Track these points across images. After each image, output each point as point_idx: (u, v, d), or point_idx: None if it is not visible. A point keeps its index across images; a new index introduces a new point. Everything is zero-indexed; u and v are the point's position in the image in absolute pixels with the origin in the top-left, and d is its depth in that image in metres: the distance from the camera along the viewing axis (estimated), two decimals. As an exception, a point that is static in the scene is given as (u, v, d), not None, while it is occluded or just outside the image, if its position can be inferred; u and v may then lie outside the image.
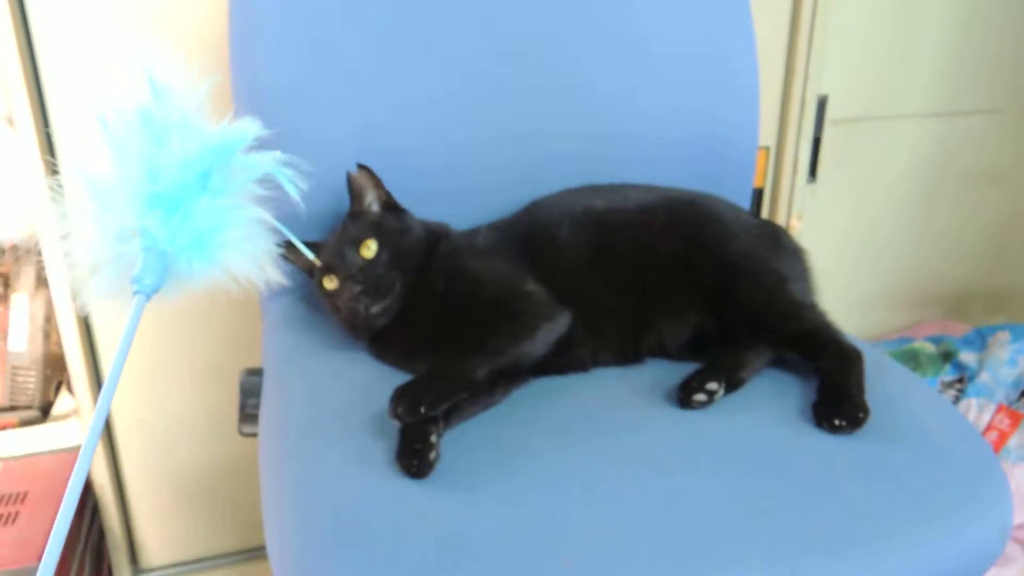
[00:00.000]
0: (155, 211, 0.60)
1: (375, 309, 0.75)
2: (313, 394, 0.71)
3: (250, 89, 0.84)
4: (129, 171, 0.60)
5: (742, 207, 0.89)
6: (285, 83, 0.84)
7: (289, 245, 0.72)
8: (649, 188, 0.87)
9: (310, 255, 0.72)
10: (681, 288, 0.79)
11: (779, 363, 0.76)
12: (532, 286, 0.77)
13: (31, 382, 1.17)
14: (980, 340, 1.40)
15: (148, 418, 1.20)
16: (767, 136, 1.32)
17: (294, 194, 0.64)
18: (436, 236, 0.80)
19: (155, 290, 0.60)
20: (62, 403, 1.18)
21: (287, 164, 0.65)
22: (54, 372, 1.19)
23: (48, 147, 1.03)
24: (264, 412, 0.75)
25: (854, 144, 1.41)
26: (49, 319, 1.17)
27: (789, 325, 0.76)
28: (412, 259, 0.77)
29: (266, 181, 0.64)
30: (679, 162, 0.96)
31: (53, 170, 0.63)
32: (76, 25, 1.00)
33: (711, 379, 0.71)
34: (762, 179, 1.34)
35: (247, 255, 0.64)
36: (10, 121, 1.15)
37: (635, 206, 0.84)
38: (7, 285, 1.16)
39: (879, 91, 1.40)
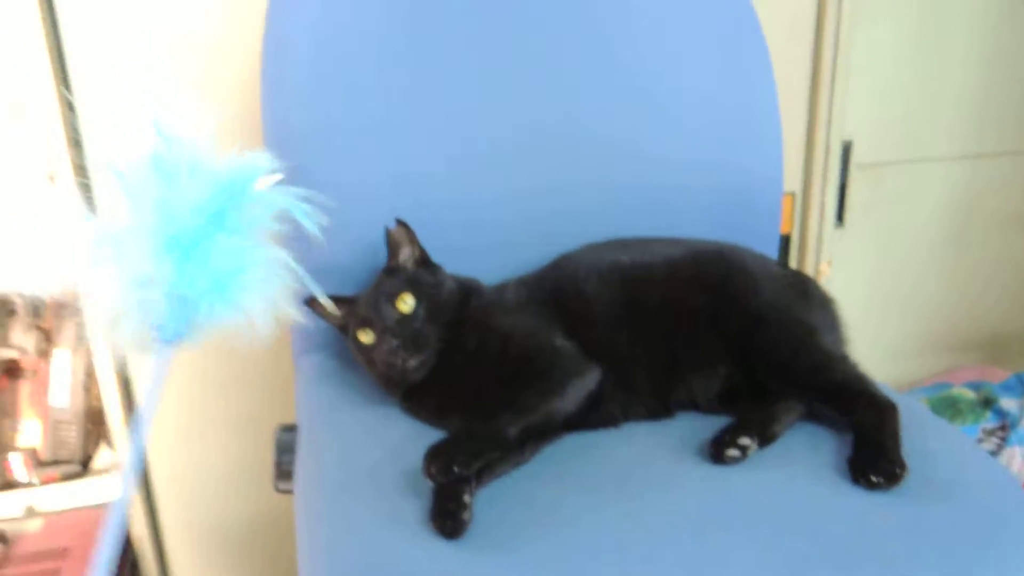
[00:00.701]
0: (172, 255, 0.60)
1: (412, 363, 0.75)
2: (346, 451, 0.72)
3: (279, 135, 0.86)
4: (144, 216, 0.61)
5: (769, 257, 0.89)
6: (314, 131, 0.86)
7: (315, 300, 0.73)
8: (675, 241, 0.88)
9: (330, 305, 0.74)
10: (709, 341, 0.79)
11: (812, 416, 0.76)
12: (561, 342, 0.77)
13: (72, 436, 1.19)
14: (1021, 386, 1.38)
15: (185, 472, 1.21)
16: (792, 182, 1.32)
17: (312, 229, 0.65)
18: (468, 291, 0.81)
19: (178, 337, 0.60)
20: (102, 457, 1.20)
21: (304, 200, 0.65)
22: (94, 426, 1.21)
23: (88, 203, 1.06)
24: (299, 469, 0.76)
25: (881, 188, 1.41)
26: (90, 374, 1.20)
27: (820, 378, 0.76)
28: (447, 314, 0.78)
29: (285, 218, 0.64)
30: (705, 210, 0.97)
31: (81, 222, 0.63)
32: (114, 81, 1.04)
33: (744, 434, 0.71)
34: (789, 225, 1.34)
35: (265, 297, 0.64)
36: (51, 178, 1.19)
37: (661, 260, 0.84)
38: (49, 340, 1.19)
39: (904, 134, 1.40)
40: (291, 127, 0.86)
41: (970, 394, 1.40)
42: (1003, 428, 1.33)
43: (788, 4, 1.24)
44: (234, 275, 0.62)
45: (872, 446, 0.69)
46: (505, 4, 0.92)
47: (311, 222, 0.65)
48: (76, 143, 1.04)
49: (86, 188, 1.05)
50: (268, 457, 0.84)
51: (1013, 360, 1.58)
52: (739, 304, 0.80)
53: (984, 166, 1.46)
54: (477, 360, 0.76)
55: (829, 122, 1.29)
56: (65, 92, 1.03)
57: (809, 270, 1.37)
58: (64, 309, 1.20)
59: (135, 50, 1.05)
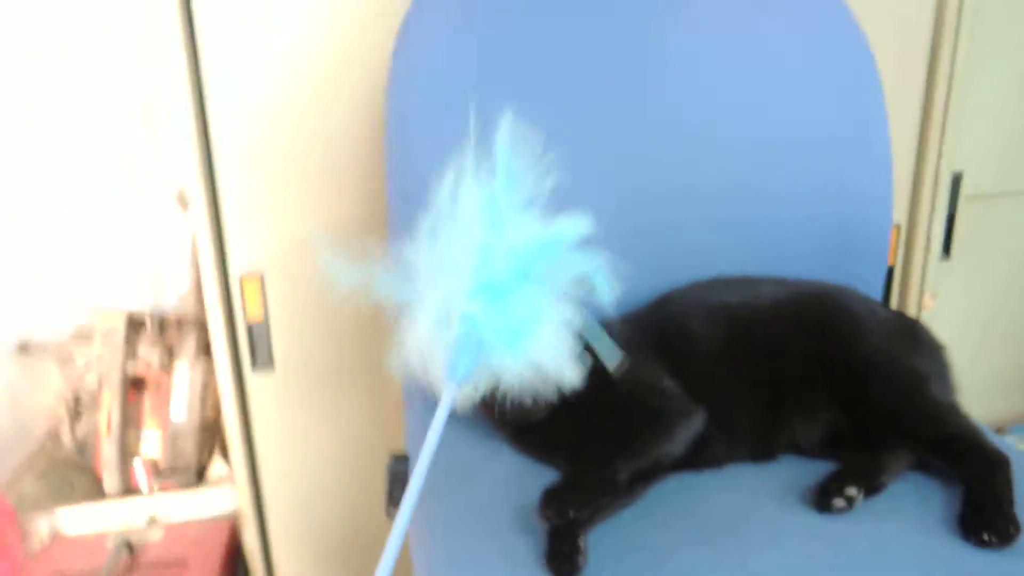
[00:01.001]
0: (482, 298, 0.63)
1: (537, 408, 0.76)
2: (457, 486, 0.75)
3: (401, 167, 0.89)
4: (463, 254, 0.64)
5: (875, 300, 0.89)
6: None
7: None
8: (780, 281, 0.88)
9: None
10: (814, 385, 0.79)
11: (921, 466, 0.75)
12: (667, 383, 0.79)
13: (189, 447, 1.27)
14: None
15: (297, 489, 1.26)
16: (898, 213, 1.30)
17: (607, 298, 0.67)
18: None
19: (467, 378, 0.64)
20: (215, 469, 1.27)
21: (604, 266, 0.67)
22: (207, 437, 1.29)
23: (216, 227, 1.13)
24: (411, 499, 0.80)
25: (990, 220, 1.37)
26: (206, 386, 1.27)
27: (930, 429, 0.75)
28: None
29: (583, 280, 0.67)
30: (813, 239, 0.97)
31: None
32: (251, 107, 1.10)
33: (850, 483, 0.71)
34: (893, 257, 1.32)
35: (554, 354, 0.66)
36: (181, 200, 1.27)
37: (767, 301, 0.85)
38: (172, 355, 1.27)
39: (1016, 166, 1.36)
40: (412, 164, 0.90)
41: (1081, 435, 1.35)
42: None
43: (900, 35, 1.22)
44: (530, 326, 0.65)
45: (984, 502, 0.68)
46: (628, 52, 0.94)
47: (607, 290, 0.67)
48: (208, 163, 1.10)
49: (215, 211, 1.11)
50: (380, 483, 0.88)
51: None
52: (846, 349, 0.79)
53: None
54: (587, 400, 0.77)
55: (940, 153, 1.26)
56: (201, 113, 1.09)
57: (912, 302, 1.34)
58: (185, 326, 1.28)
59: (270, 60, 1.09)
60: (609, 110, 0.92)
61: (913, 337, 0.83)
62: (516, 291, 0.64)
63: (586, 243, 0.67)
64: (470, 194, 0.65)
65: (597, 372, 0.78)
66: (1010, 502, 0.67)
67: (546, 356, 0.66)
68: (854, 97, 0.98)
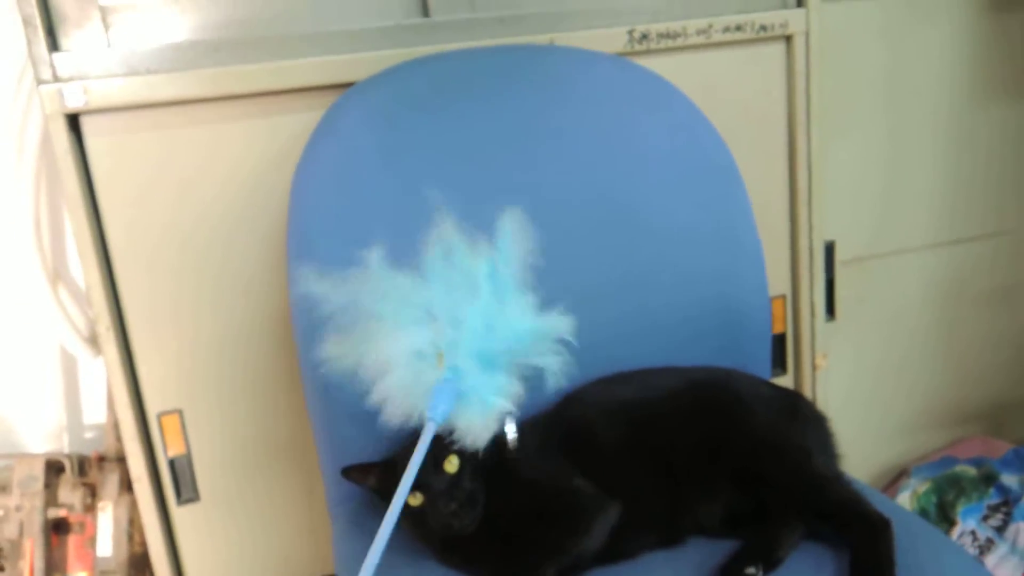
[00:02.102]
0: (475, 358, 0.72)
1: (467, 522, 0.78)
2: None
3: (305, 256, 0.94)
4: (470, 313, 0.73)
5: (760, 379, 0.96)
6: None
7: (352, 469, 0.81)
8: (674, 371, 0.94)
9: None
10: (711, 469, 0.84)
11: (815, 535, 0.81)
12: (579, 481, 0.83)
13: (117, 584, 1.24)
14: (1019, 460, 1.43)
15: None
16: (782, 284, 1.40)
17: (552, 386, 0.76)
18: (496, 443, 0.83)
19: (444, 420, 0.71)
20: (147, 604, 1.25)
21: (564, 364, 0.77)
22: (138, 573, 1.27)
23: (130, 367, 1.14)
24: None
25: (867, 281, 1.49)
26: (132, 522, 1.26)
27: (816, 500, 0.81)
28: (485, 470, 0.81)
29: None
30: (700, 319, 1.05)
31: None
32: (155, 246, 1.12)
33: (749, 563, 0.76)
34: (783, 324, 1.41)
35: (484, 420, 0.75)
36: (92, 342, 1.27)
37: (662, 393, 0.91)
38: (95, 494, 1.26)
39: (884, 229, 1.49)
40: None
41: (972, 471, 1.45)
42: (1006, 504, 1.37)
43: (764, 131, 1.35)
44: (496, 392, 0.74)
45: (868, 567, 0.74)
46: (518, 151, 1.02)
47: (552, 381, 0.77)
48: (117, 304, 1.12)
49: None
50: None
51: (1014, 428, 1.64)
52: (736, 433, 0.85)
53: (962, 250, 1.54)
54: (507, 508, 0.80)
55: (810, 226, 1.37)
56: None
57: (806, 363, 1.43)
58: (107, 463, 1.27)
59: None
60: (496, 211, 0.99)
61: (795, 413, 0.90)
62: (499, 360, 0.73)
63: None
64: (474, 261, 0.75)
65: (513, 480, 0.83)
66: (891, 563, 0.74)
67: (481, 421, 0.74)
68: (717, 190, 1.08)
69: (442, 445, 0.80)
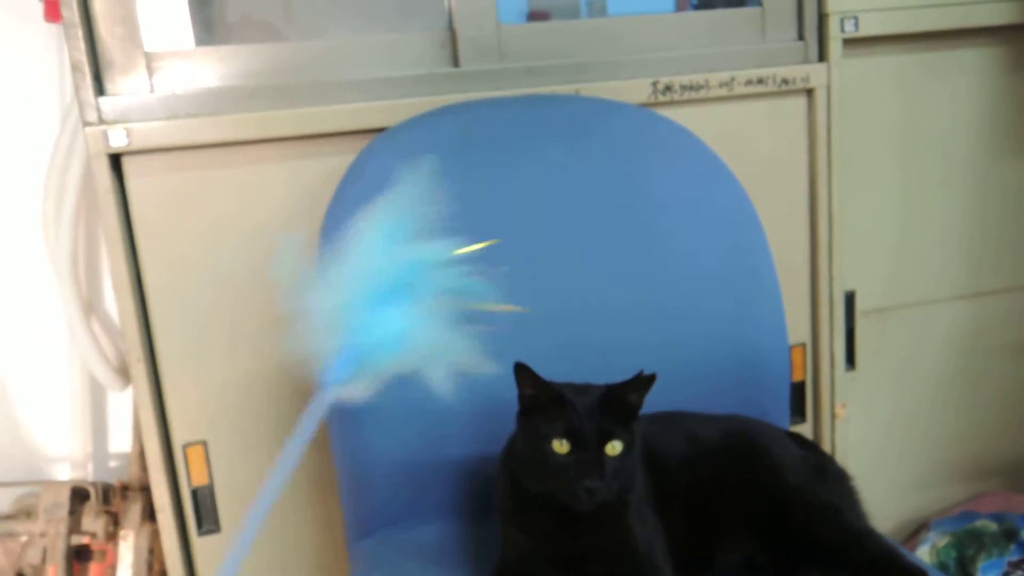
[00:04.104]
0: (373, 309, 0.71)
1: (593, 502, 0.74)
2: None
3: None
4: (364, 270, 0.72)
5: (788, 436, 0.96)
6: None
7: (526, 368, 0.78)
8: (704, 419, 0.94)
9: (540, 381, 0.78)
10: (738, 520, 0.85)
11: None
12: (663, 559, 0.81)
13: (136, 613, 1.26)
14: (1040, 517, 1.41)
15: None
16: (802, 333, 1.41)
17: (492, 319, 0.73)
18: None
19: (344, 380, 0.70)
20: (165, 634, 1.26)
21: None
22: (156, 602, 1.29)
23: (158, 398, 1.17)
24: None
25: (887, 331, 1.49)
26: (152, 551, 1.28)
27: (853, 555, 0.81)
28: (623, 482, 0.77)
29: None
30: (721, 368, 1.06)
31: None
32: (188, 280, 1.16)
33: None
34: (802, 373, 1.42)
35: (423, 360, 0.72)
36: (123, 373, 1.31)
37: (693, 441, 0.90)
38: (117, 523, 1.28)
39: (904, 280, 1.49)
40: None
41: (993, 526, 1.43)
42: (1028, 561, 1.36)
43: (786, 182, 1.37)
44: (405, 338, 0.71)
45: None
46: (545, 197, 1.05)
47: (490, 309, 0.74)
48: (148, 336, 1.15)
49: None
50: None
51: (1037, 483, 1.62)
52: (766, 489, 0.86)
53: (981, 303, 1.54)
54: (594, 532, 0.78)
55: (831, 276, 1.38)
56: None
57: (825, 412, 1.43)
58: (131, 492, 1.29)
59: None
60: (529, 266, 1.01)
61: (823, 472, 0.90)
62: (402, 308, 0.72)
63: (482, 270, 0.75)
64: (379, 223, 0.75)
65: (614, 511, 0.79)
66: None
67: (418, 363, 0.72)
68: (740, 240, 1.10)
69: (621, 423, 0.77)
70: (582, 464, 0.74)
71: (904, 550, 0.85)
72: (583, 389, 0.80)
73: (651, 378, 0.79)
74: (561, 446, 0.75)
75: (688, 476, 0.87)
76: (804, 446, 0.95)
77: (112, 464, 1.40)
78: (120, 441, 1.39)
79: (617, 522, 0.79)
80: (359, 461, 0.97)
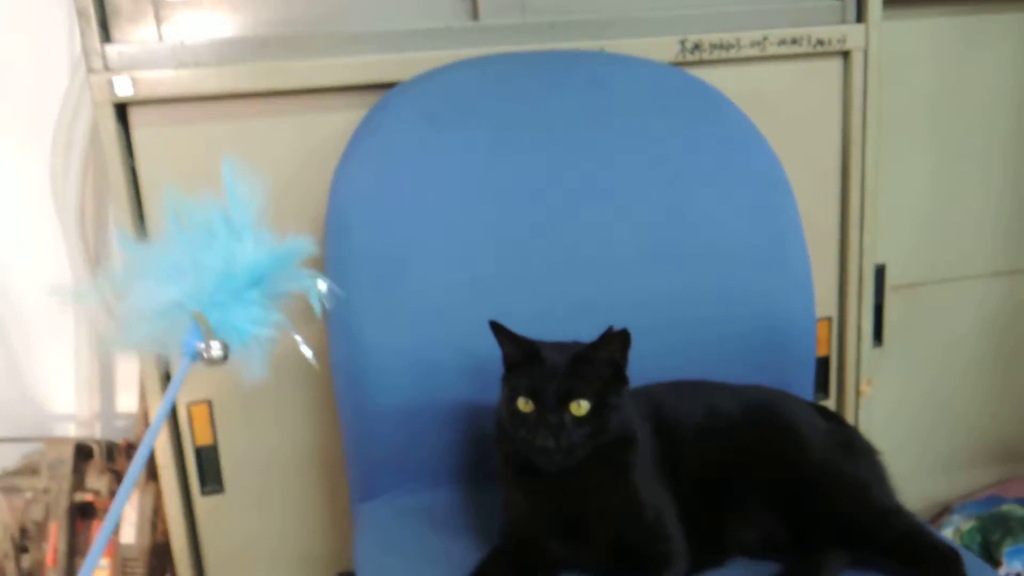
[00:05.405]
0: (219, 292, 0.73)
1: (554, 464, 0.74)
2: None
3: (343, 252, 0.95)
4: (209, 257, 0.73)
5: (813, 408, 0.92)
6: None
7: (502, 326, 0.79)
8: (726, 389, 0.90)
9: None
10: (760, 496, 0.81)
11: (860, 563, 0.78)
12: (675, 529, 0.79)
13: (139, 571, 1.25)
14: (1070, 503, 1.36)
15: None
16: (829, 306, 1.36)
17: (317, 310, 0.76)
18: (628, 435, 0.79)
19: (195, 357, 0.72)
20: (167, 594, 1.25)
21: (328, 286, 0.77)
22: (159, 562, 1.27)
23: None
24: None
25: (918, 308, 1.44)
26: (156, 510, 1.26)
27: (881, 533, 0.78)
28: (605, 438, 0.75)
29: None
30: (742, 336, 1.02)
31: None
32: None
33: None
34: (827, 348, 1.37)
35: (260, 345, 0.74)
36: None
37: (714, 414, 0.86)
38: (121, 481, 1.26)
39: (937, 256, 1.44)
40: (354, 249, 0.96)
41: (1020, 511, 1.39)
42: (1056, 547, 1.31)
43: (817, 148, 1.31)
44: (253, 323, 0.73)
45: None
46: (566, 156, 1.01)
47: (316, 304, 0.76)
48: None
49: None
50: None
51: (1067, 470, 1.57)
52: (791, 464, 0.82)
53: (1019, 282, 1.48)
54: (597, 496, 0.76)
55: (861, 248, 1.33)
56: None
57: (850, 388, 1.39)
58: (135, 451, 1.27)
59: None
60: (545, 225, 0.99)
61: (850, 447, 0.86)
62: (247, 293, 0.73)
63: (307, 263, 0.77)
64: (205, 214, 0.75)
65: (620, 476, 0.77)
66: None
67: (259, 346, 0.74)
68: (769, 208, 1.05)
69: (587, 379, 0.75)
70: (539, 422, 0.74)
71: (933, 529, 0.82)
72: (564, 348, 0.79)
73: (620, 334, 0.77)
74: (526, 404, 0.75)
75: (705, 447, 0.84)
76: (829, 419, 0.90)
77: (119, 424, 1.37)
78: (128, 401, 1.37)
79: (618, 483, 0.77)
80: (363, 415, 0.94)
